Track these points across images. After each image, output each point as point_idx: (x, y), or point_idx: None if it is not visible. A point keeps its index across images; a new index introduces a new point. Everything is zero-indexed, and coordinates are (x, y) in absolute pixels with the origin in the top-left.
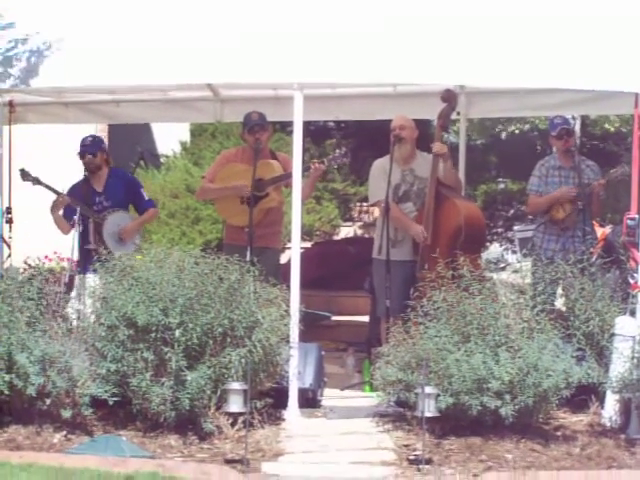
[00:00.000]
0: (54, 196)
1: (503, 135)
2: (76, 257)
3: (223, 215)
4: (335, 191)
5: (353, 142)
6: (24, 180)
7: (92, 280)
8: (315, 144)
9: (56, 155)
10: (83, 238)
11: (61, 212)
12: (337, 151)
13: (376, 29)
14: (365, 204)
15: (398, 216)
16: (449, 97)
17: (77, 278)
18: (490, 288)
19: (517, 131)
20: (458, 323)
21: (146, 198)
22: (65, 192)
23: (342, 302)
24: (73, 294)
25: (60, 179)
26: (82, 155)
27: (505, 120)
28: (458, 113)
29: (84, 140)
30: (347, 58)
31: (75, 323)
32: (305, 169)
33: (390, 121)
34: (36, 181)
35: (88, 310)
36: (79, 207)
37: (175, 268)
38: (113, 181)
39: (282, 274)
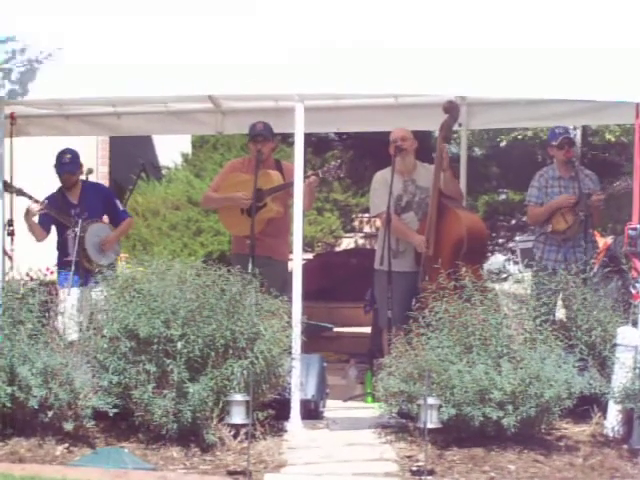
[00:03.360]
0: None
1: (505, 142)
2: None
3: (224, 225)
4: (336, 202)
5: (354, 153)
6: (6, 191)
7: (75, 294)
8: (316, 155)
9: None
10: (61, 250)
11: (36, 219)
12: (332, 163)
13: (377, 40)
14: (366, 215)
15: (399, 227)
16: (451, 108)
17: (61, 292)
18: (492, 299)
19: (520, 136)
20: (460, 334)
21: (121, 209)
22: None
23: (344, 313)
24: (65, 307)
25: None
26: (61, 173)
27: (506, 129)
28: (460, 124)
29: (62, 157)
30: (348, 69)
31: (74, 336)
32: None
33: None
34: (19, 192)
35: (74, 323)
36: (59, 217)
37: (177, 280)
38: (88, 193)
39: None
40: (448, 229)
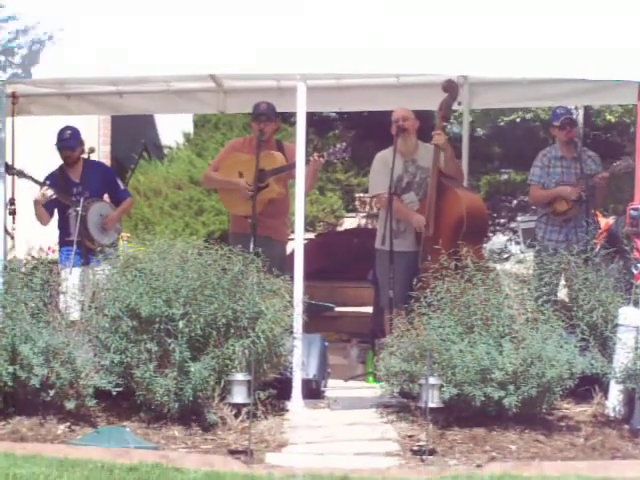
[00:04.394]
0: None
1: (504, 124)
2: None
3: (225, 204)
4: (338, 182)
5: (356, 133)
6: (8, 174)
7: (77, 273)
8: (318, 135)
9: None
10: (62, 229)
11: None
12: (337, 145)
13: (379, 19)
14: (368, 195)
15: (398, 207)
16: (450, 87)
17: (63, 271)
18: (494, 279)
19: (518, 119)
20: (462, 314)
21: (122, 187)
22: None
23: (345, 293)
24: (67, 286)
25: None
26: (62, 149)
27: (507, 110)
28: (459, 103)
29: (62, 133)
30: (350, 49)
31: (75, 315)
32: (306, 162)
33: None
34: (21, 174)
35: (76, 303)
36: (61, 197)
37: (178, 259)
38: (90, 171)
39: (288, 266)
40: (448, 209)
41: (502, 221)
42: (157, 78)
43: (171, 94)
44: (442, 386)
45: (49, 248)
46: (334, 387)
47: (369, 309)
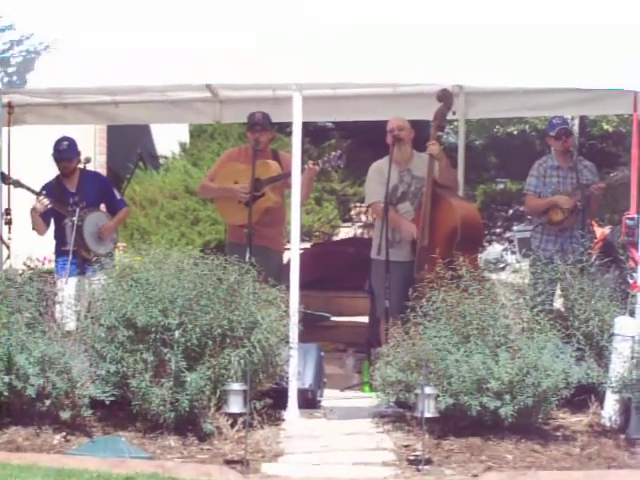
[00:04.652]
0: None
1: (501, 135)
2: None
3: (221, 214)
4: (334, 191)
5: (352, 142)
6: (4, 183)
7: (73, 283)
8: (314, 145)
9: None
10: (59, 239)
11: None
12: (332, 153)
13: (375, 29)
14: (364, 205)
15: (391, 216)
16: (445, 97)
17: (59, 281)
18: (489, 288)
19: (516, 132)
20: (457, 323)
21: (118, 197)
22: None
23: (341, 303)
24: (63, 296)
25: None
26: (59, 160)
27: (504, 120)
28: (454, 113)
29: (59, 144)
30: (346, 58)
31: (71, 325)
32: (301, 170)
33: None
34: (17, 184)
35: (72, 312)
36: (57, 207)
37: (174, 269)
38: (86, 181)
39: (285, 276)
40: (442, 218)
41: (498, 231)
42: (153, 88)
43: (167, 104)
44: (438, 396)
45: (44, 258)
46: (330, 397)
47: (365, 319)
